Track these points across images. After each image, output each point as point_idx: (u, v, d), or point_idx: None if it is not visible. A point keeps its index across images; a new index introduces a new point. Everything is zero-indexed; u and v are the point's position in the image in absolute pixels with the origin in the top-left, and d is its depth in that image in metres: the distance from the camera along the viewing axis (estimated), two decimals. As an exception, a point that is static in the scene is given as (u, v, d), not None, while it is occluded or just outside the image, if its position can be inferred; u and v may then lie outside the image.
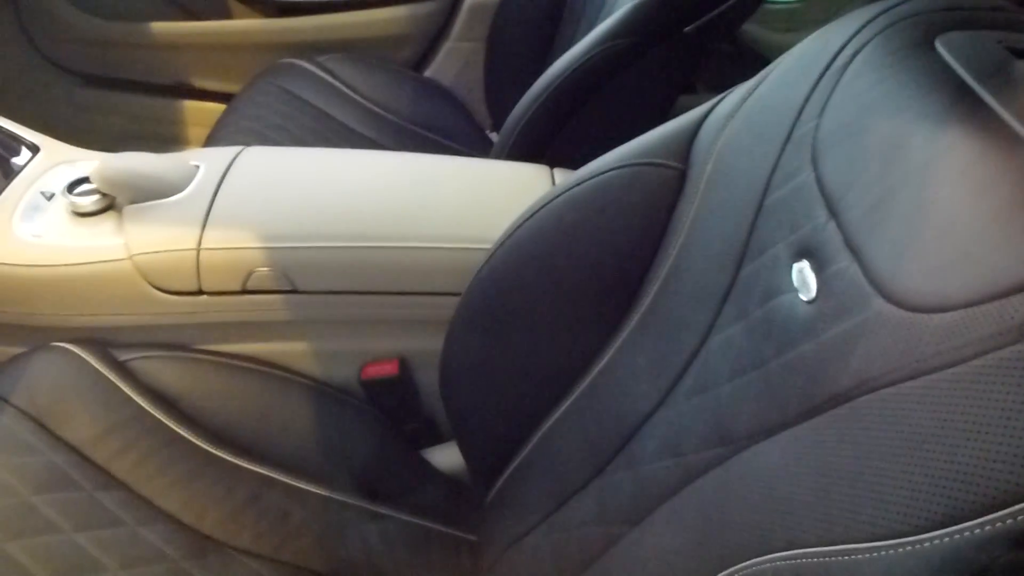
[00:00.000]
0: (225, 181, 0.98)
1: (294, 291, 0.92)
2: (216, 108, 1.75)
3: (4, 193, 0.99)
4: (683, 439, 0.63)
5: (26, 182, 1.02)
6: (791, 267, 0.56)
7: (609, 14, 1.13)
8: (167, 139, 1.80)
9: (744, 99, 0.69)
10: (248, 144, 1.08)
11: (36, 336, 0.95)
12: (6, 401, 0.84)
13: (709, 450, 0.60)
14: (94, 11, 1.72)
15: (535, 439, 0.82)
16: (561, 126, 1.13)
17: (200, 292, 0.92)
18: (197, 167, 1.00)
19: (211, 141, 1.41)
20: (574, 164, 1.04)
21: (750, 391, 0.57)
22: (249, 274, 0.91)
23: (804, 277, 0.55)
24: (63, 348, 0.91)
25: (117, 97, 1.81)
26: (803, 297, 0.54)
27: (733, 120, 0.68)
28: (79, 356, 0.90)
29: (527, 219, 0.80)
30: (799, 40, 0.70)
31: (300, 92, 1.52)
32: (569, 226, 0.76)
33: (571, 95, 1.11)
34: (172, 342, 0.95)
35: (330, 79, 1.58)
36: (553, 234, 0.77)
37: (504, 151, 1.15)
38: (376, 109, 1.56)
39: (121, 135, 1.78)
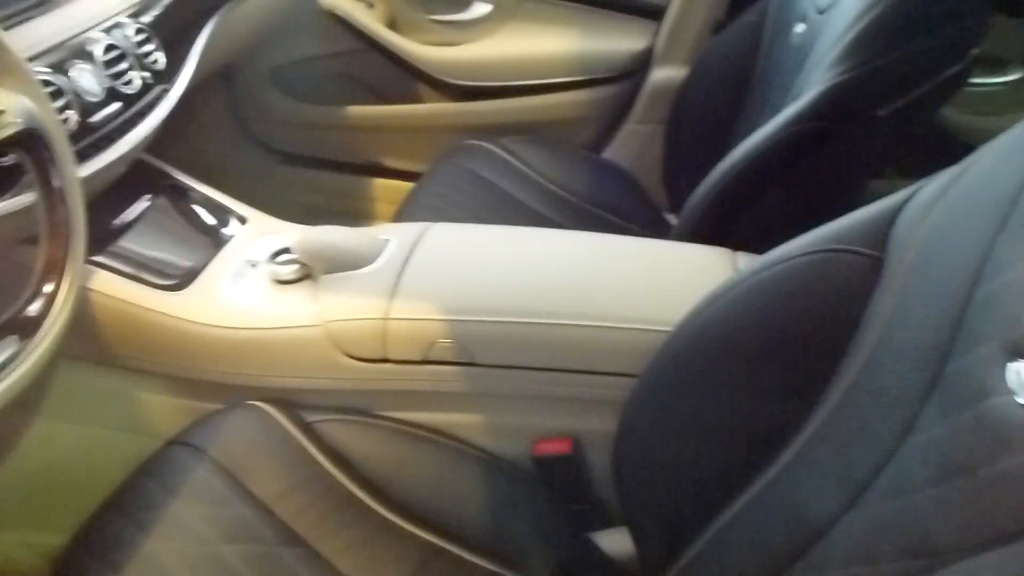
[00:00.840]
0: (412, 255, 1.02)
1: (473, 364, 0.94)
2: (403, 186, 1.84)
3: (215, 260, 1.08)
4: (877, 546, 0.59)
5: (234, 250, 1.11)
6: (1006, 367, 0.52)
7: (796, 96, 1.12)
8: (358, 214, 1.90)
9: (949, 185, 0.66)
10: (434, 220, 1.13)
11: (233, 394, 1.01)
12: (205, 453, 0.90)
13: (908, 560, 0.56)
14: (298, 96, 1.86)
15: (710, 532, 0.79)
16: (744, 209, 1.12)
17: (385, 360, 0.95)
18: (387, 241, 1.05)
19: (399, 217, 1.47)
20: (757, 248, 1.03)
21: (956, 500, 0.53)
22: (431, 345, 0.94)
23: (1022, 379, 0.51)
24: (257, 407, 0.96)
25: (313, 174, 1.93)
26: (1020, 400, 0.50)
27: (937, 207, 0.65)
28: (271, 415, 0.95)
29: (711, 303, 0.78)
30: (1003, 125, 0.66)
31: (483, 172, 1.58)
32: (755, 313, 0.74)
33: (756, 178, 1.09)
34: (355, 407, 0.99)
35: (512, 160, 1.62)
36: (738, 321, 0.76)
37: (684, 233, 1.15)
38: (555, 189, 1.59)
39: (316, 210, 1.90)
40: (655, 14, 1.66)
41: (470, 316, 0.94)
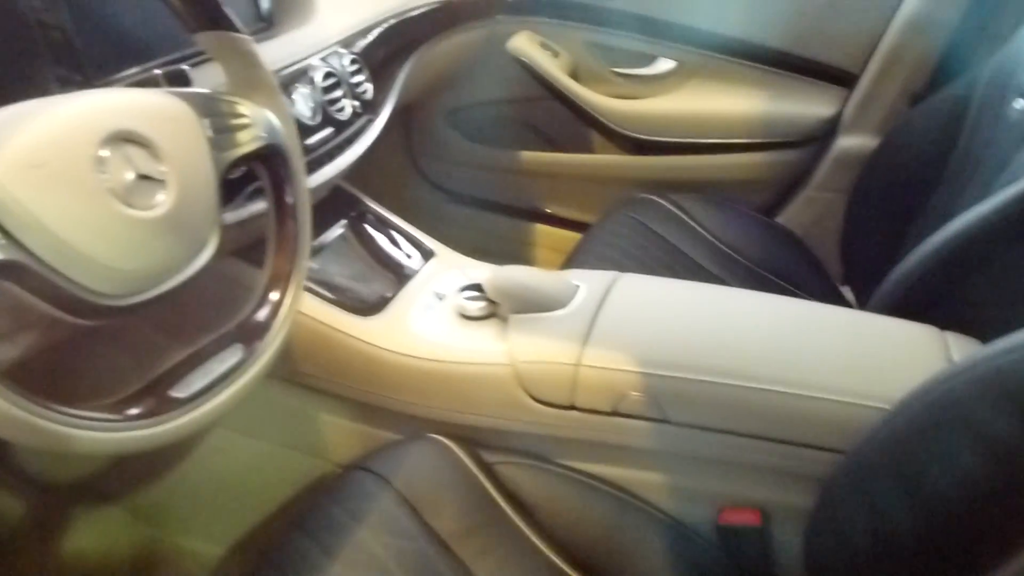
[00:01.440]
0: (604, 303, 1.00)
1: (663, 421, 0.91)
2: (568, 234, 1.85)
3: (404, 290, 1.09)
4: None
5: (422, 282, 1.12)
6: None
7: (1016, 175, 1.05)
8: (521, 258, 1.90)
9: None
10: (608, 270, 1.11)
11: (410, 424, 1.01)
12: (389, 484, 0.89)
13: None
14: (472, 137, 1.89)
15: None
16: (954, 287, 1.06)
17: (572, 407, 0.93)
18: (577, 287, 1.04)
19: (572, 264, 1.46)
20: (968, 328, 0.97)
21: None
22: (622, 397, 0.91)
23: None
24: (439, 441, 0.95)
25: (480, 215, 1.95)
26: None
27: None
28: (453, 452, 0.94)
29: (943, 382, 0.73)
30: None
31: (655, 226, 1.55)
32: (1006, 399, 0.69)
33: (971, 257, 1.03)
34: (536, 451, 0.97)
35: (684, 217, 1.60)
36: (982, 403, 0.70)
37: (885, 306, 1.09)
38: (727, 250, 1.55)
39: (479, 250, 1.90)
40: (846, 81, 1.62)
41: (665, 371, 0.91)
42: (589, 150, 1.81)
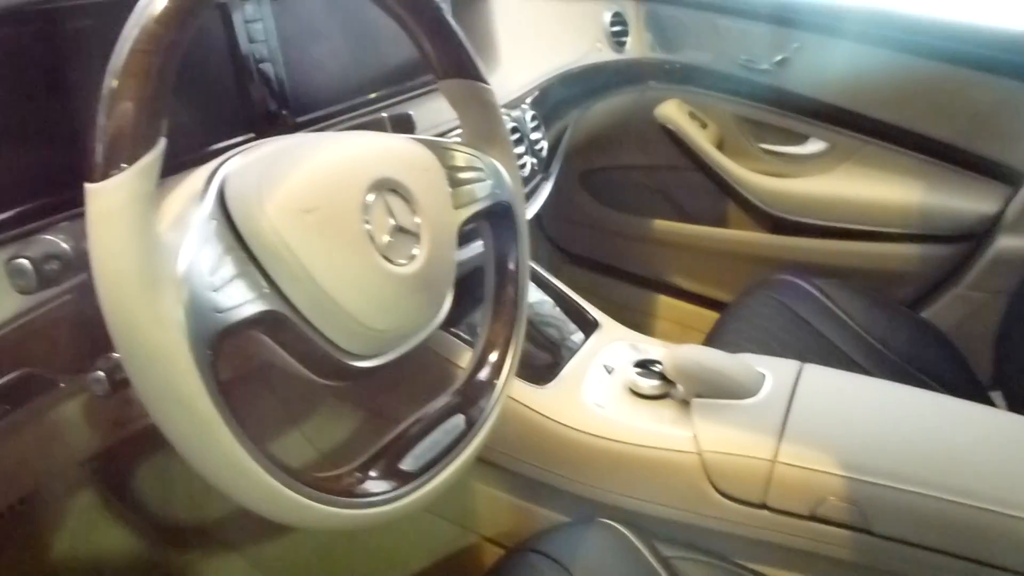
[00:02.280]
0: (796, 396, 0.94)
1: (866, 531, 0.84)
2: (689, 308, 1.79)
3: (573, 360, 1.04)
4: None
5: (590, 353, 1.06)
6: None
7: None
8: (639, 328, 1.84)
9: None
10: (753, 352, 1.05)
11: (578, 505, 0.95)
12: (567, 571, 0.83)
13: None
14: (603, 199, 1.85)
15: None
16: None
17: (763, 506, 0.87)
18: (762, 374, 0.98)
19: (714, 342, 1.40)
20: None
21: None
22: (820, 500, 0.84)
23: None
24: (614, 527, 0.89)
25: (599, 280, 1.90)
26: None
27: None
28: (630, 540, 0.87)
29: None
30: None
31: (799, 310, 1.49)
32: None
33: None
34: (717, 549, 0.90)
35: (827, 302, 1.53)
36: None
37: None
38: (873, 342, 1.48)
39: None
40: (1012, 179, 1.54)
41: (869, 477, 0.84)
42: (724, 224, 1.76)
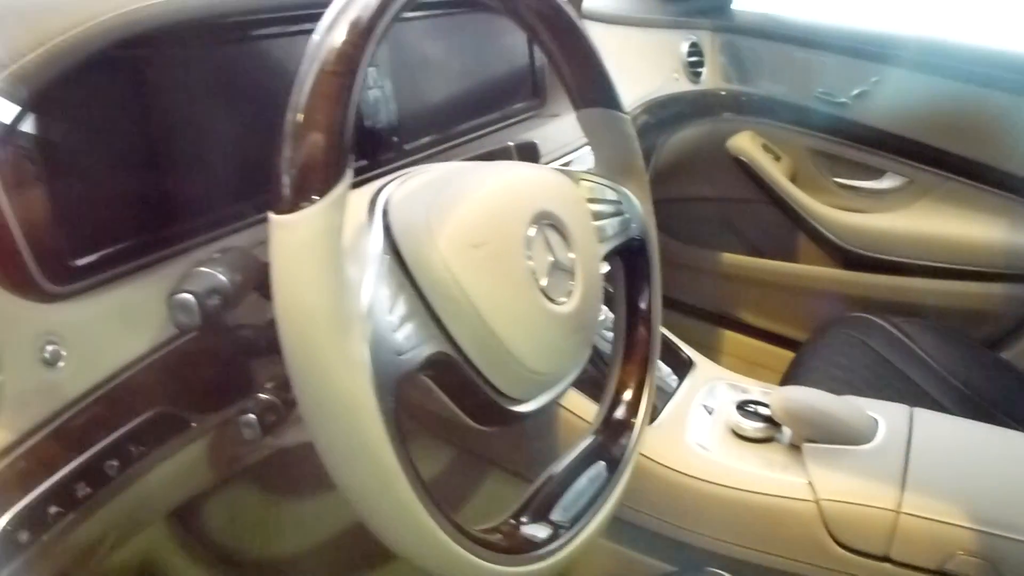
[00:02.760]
0: (912, 442, 0.90)
1: (1002, 590, 0.79)
2: (757, 344, 1.74)
3: (673, 400, 1.00)
4: None
5: (688, 393, 1.02)
6: None
7: None
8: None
9: None
10: (835, 392, 1.01)
11: (685, 554, 0.91)
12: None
13: None
14: (667, 231, 1.82)
15: None
16: None
17: (886, 559, 0.82)
18: (874, 419, 0.94)
19: (790, 382, 1.36)
20: None
21: None
22: (949, 555, 0.80)
23: None
24: None
25: (665, 314, 1.86)
26: None
27: None
28: None
29: None
30: None
31: (879, 349, 1.45)
32: None
33: None
34: (835, 604, 0.85)
35: (908, 342, 1.48)
36: None
37: None
38: (956, 383, 1.43)
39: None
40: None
41: (1003, 531, 0.80)
42: (795, 260, 1.72)
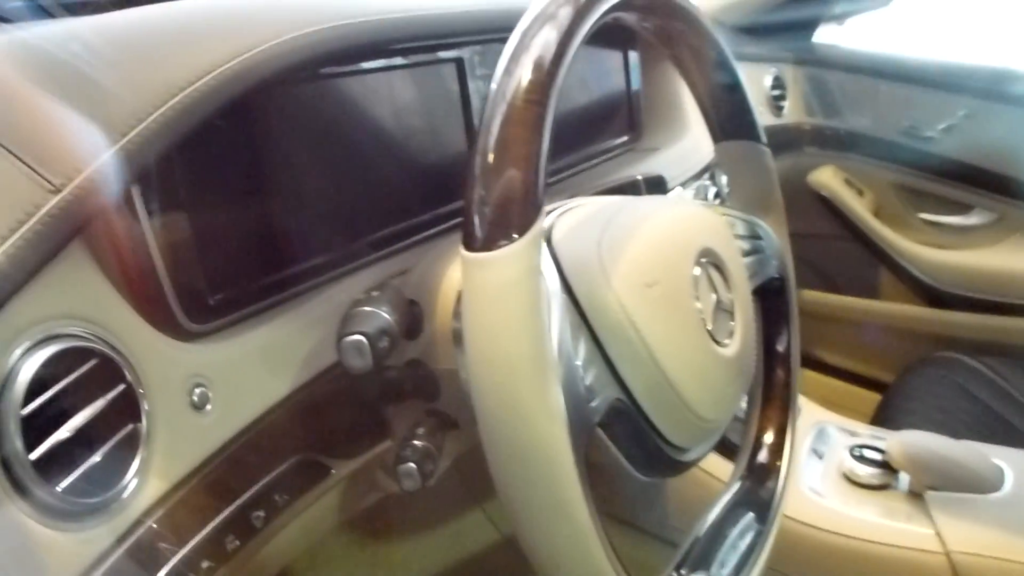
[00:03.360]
0: (1043, 493, 0.85)
1: None
2: (841, 386, 1.70)
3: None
4: None
5: (796, 437, 0.98)
6: None
7: None
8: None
9: None
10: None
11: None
12: None
13: None
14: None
15: None
16: None
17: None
18: (998, 466, 0.89)
19: (882, 424, 1.31)
20: None
21: None
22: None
23: None
24: None
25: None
26: None
27: None
28: None
29: None
30: None
31: (973, 390, 1.39)
32: None
33: None
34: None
35: (1002, 382, 1.43)
36: None
37: None
38: (1055, 427, 1.37)
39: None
40: None
41: None
42: (878, 297, 1.67)
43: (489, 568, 1.02)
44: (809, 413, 1.04)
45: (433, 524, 1.01)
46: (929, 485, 0.87)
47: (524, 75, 0.39)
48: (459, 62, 0.73)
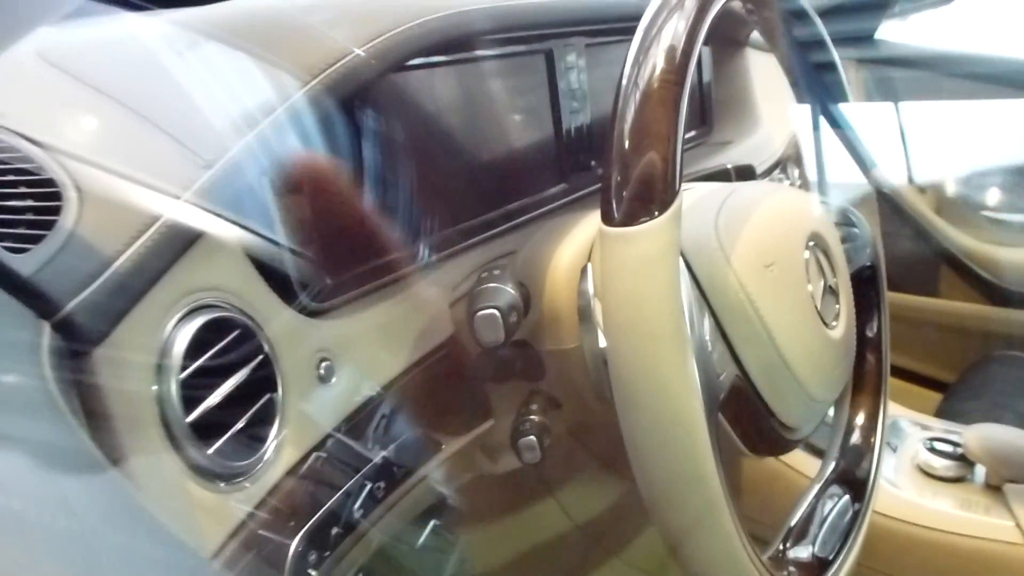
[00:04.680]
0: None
1: None
2: (900, 385, 1.68)
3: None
4: None
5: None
6: None
7: None
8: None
9: None
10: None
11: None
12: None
13: None
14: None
15: None
16: None
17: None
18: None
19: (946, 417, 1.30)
20: None
21: None
22: None
23: None
24: None
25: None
26: None
27: None
28: None
29: None
30: None
31: (1037, 391, 1.38)
32: None
33: None
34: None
35: (1066, 383, 1.41)
36: None
37: None
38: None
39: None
40: None
41: None
42: (938, 295, 1.66)
43: (561, 557, 1.03)
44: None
45: (505, 512, 1.02)
46: (1008, 478, 0.87)
47: (658, 63, 0.41)
48: (549, 53, 0.74)
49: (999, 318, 1.60)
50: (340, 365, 0.49)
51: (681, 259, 0.46)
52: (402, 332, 0.54)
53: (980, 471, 0.89)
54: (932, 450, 0.93)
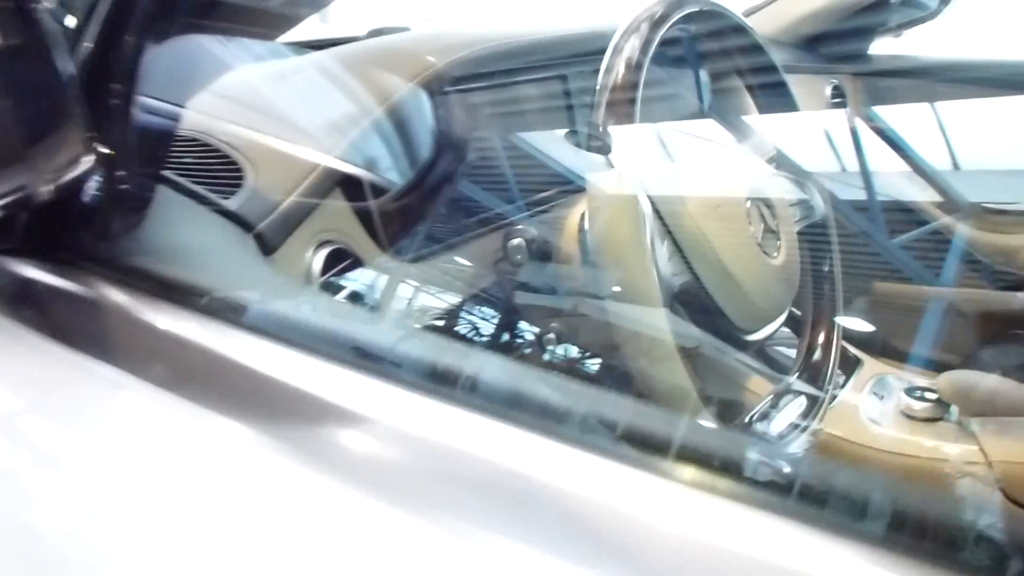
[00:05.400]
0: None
1: None
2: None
3: (847, 388, 1.12)
4: None
5: (859, 383, 1.14)
6: None
7: None
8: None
9: None
10: None
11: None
12: None
13: None
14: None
15: None
16: None
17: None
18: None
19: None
20: None
21: None
22: None
23: None
24: None
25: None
26: None
27: None
28: None
29: None
30: None
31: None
32: None
33: None
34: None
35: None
36: None
37: None
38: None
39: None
40: None
41: None
42: (941, 283, 1.78)
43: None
44: (872, 367, 1.20)
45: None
46: (975, 412, 1.01)
47: (620, 69, 0.60)
48: (563, 77, 0.94)
49: (1004, 302, 1.72)
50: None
51: (650, 203, 0.65)
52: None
53: (955, 411, 1.04)
54: (912, 395, 1.07)
